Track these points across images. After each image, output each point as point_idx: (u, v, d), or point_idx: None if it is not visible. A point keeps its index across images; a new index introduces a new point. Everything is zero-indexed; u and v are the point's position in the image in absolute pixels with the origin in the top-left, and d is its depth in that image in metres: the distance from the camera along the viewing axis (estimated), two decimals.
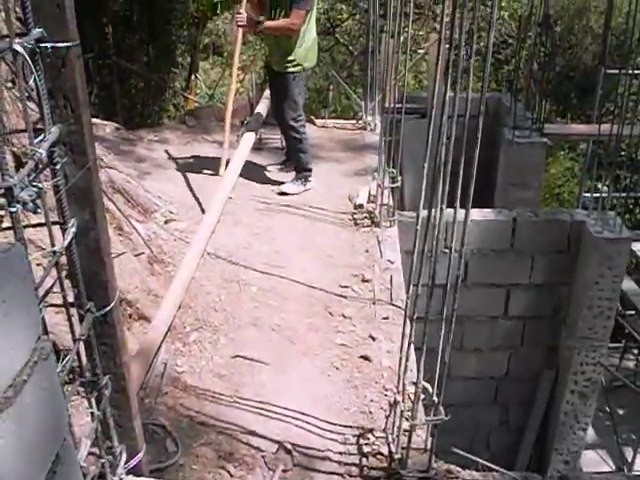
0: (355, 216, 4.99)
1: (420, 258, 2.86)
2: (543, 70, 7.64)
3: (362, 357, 3.67)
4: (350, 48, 11.58)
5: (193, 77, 9.98)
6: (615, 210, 5.99)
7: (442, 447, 3.28)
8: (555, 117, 16.37)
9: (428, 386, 3.19)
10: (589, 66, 17.05)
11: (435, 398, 3.15)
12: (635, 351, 9.25)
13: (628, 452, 7.70)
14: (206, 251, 4.35)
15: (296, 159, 5.45)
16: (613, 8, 15.96)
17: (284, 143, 5.81)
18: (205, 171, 5.58)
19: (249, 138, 5.32)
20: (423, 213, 2.89)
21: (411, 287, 3.00)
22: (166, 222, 4.65)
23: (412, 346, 3.25)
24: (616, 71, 6.77)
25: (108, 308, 2.08)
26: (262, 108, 5.86)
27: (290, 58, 5.17)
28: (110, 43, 8.41)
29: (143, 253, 4.13)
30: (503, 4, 16.32)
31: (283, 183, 5.45)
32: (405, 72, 4.50)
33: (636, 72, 6.11)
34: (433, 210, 2.82)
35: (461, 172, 2.66)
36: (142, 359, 3.21)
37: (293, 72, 5.21)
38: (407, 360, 3.11)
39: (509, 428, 6.85)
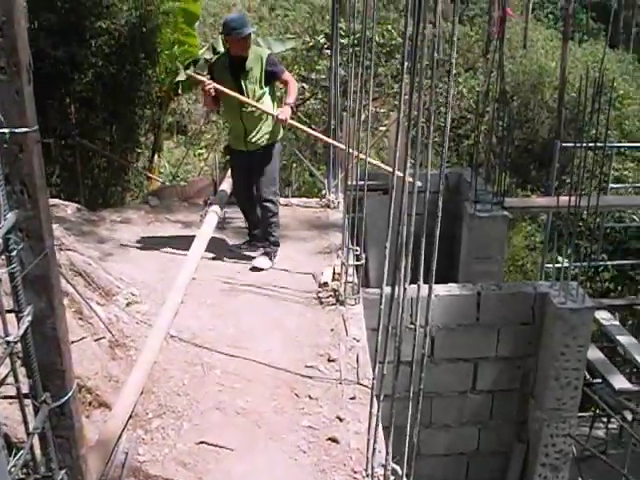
0: (320, 295, 4.97)
1: (385, 336, 2.84)
2: (502, 144, 7.87)
3: (330, 439, 3.59)
4: (312, 126, 11.82)
5: (156, 156, 10.05)
6: (577, 280, 6.08)
7: None
8: (515, 189, 16.84)
9: (397, 468, 3.13)
10: (546, 139, 17.71)
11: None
12: (604, 419, 9.24)
13: None
14: (169, 334, 4.27)
15: (270, 233, 5.45)
16: (566, 83, 16.76)
17: (247, 224, 5.85)
18: (168, 252, 5.55)
19: (212, 218, 5.32)
20: (386, 290, 2.90)
21: (377, 365, 2.97)
22: (128, 305, 4.57)
23: (380, 426, 3.20)
24: (571, 144, 7.03)
25: (65, 399, 2.02)
26: (226, 187, 5.90)
27: (275, 128, 5.30)
28: (73, 123, 8.45)
29: (104, 337, 4.04)
30: (460, 80, 16.98)
31: (251, 259, 5.44)
32: (367, 150, 4.58)
33: (590, 145, 6.33)
34: (396, 287, 2.83)
35: (423, 248, 2.70)
36: (101, 449, 3.08)
37: (278, 141, 5.40)
38: (375, 442, 3.05)
39: None
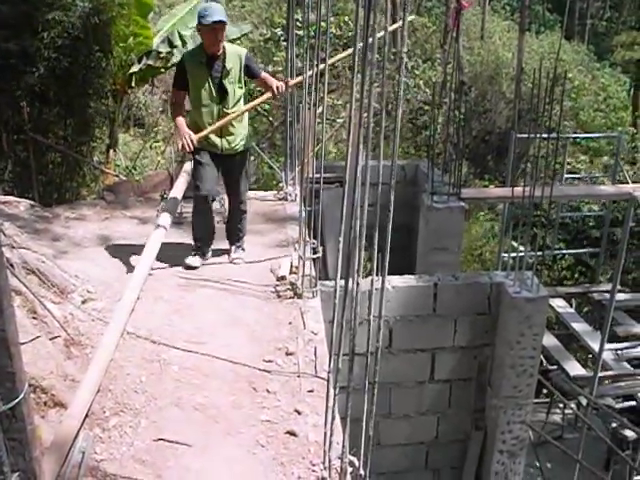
0: (278, 288, 4.97)
1: (339, 328, 2.86)
2: (459, 135, 7.95)
3: (288, 433, 3.60)
4: (270, 119, 11.81)
5: (112, 150, 9.91)
6: (532, 269, 6.20)
7: None
8: (473, 180, 17.05)
9: (354, 459, 3.16)
10: (503, 130, 17.95)
11: (362, 472, 3.11)
12: (561, 405, 9.46)
13: None
14: (125, 330, 4.24)
15: (241, 229, 5.47)
16: (522, 74, 16.99)
17: (197, 234, 5.55)
18: (124, 248, 5.49)
19: (166, 217, 5.22)
20: (341, 283, 2.92)
21: (332, 358, 2.99)
22: (83, 302, 4.51)
23: (338, 418, 3.23)
24: (525, 135, 7.15)
25: (16, 401, 1.99)
26: (182, 182, 5.84)
27: (249, 131, 5.32)
28: (26, 117, 8.29)
29: (59, 336, 3.99)
30: (418, 72, 17.09)
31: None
32: (322, 142, 4.58)
33: (545, 136, 6.44)
34: (350, 279, 2.85)
35: (376, 240, 2.72)
36: (57, 450, 3.05)
37: (251, 145, 5.53)
38: (332, 434, 3.08)
39: None
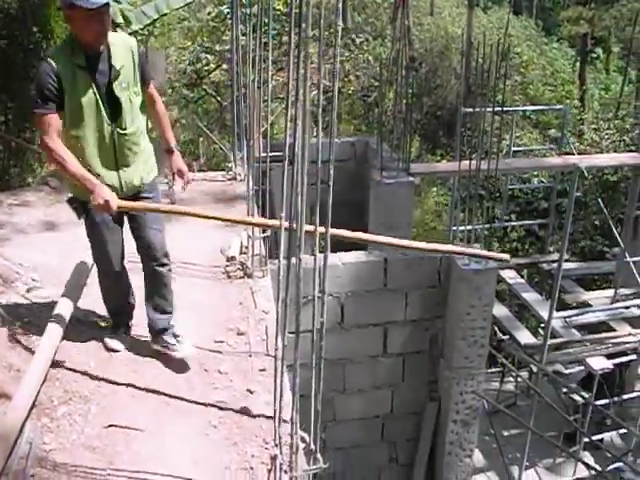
0: (228, 269, 4.95)
1: (285, 306, 2.87)
2: (410, 111, 7.98)
3: (241, 412, 3.62)
4: (219, 99, 11.67)
5: None
6: (480, 242, 6.29)
7: None
8: (426, 155, 17.19)
9: (305, 435, 3.19)
10: (454, 105, 18.11)
11: (312, 446, 3.14)
12: (514, 374, 9.68)
13: (515, 471, 8.00)
14: (73, 318, 4.17)
15: (170, 303, 4.05)
16: (472, 49, 17.13)
17: (117, 312, 4.16)
18: (70, 234, 5.38)
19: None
20: (286, 261, 2.91)
21: (278, 336, 3.00)
22: (28, 290, 4.43)
23: (289, 395, 3.24)
24: (471, 110, 7.21)
25: None
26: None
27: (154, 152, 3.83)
28: None
29: (3, 326, 3.91)
30: (366, 47, 17.08)
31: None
32: (268, 122, 4.56)
33: (492, 109, 6.51)
34: (296, 258, 2.85)
35: (317, 217, 2.72)
36: (2, 442, 3.00)
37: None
38: (281, 412, 3.09)
39: (399, 464, 6.95)
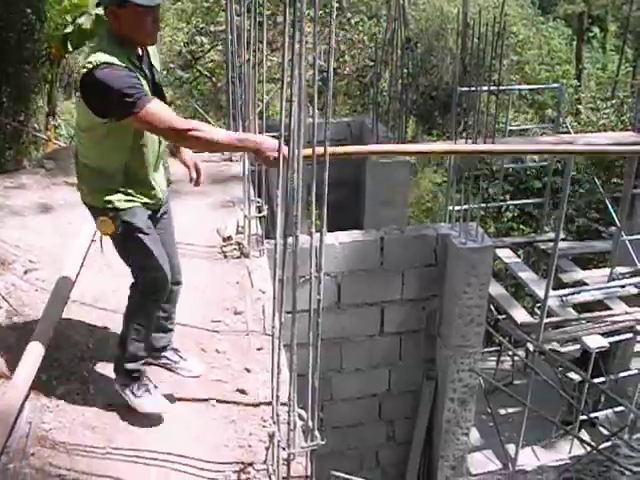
0: (224, 249, 4.96)
1: (281, 285, 2.87)
2: (406, 91, 7.96)
3: (239, 391, 3.64)
4: (214, 80, 11.61)
5: (52, 117, 9.63)
6: (477, 220, 6.30)
7: (333, 470, 3.31)
8: (422, 135, 17.16)
9: (303, 412, 3.21)
10: (450, 85, 18.05)
11: (310, 424, 3.16)
12: (510, 352, 9.74)
13: (512, 449, 8.07)
14: (70, 298, 4.18)
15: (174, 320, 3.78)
16: (468, 29, 17.02)
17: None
18: (66, 216, 5.38)
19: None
20: (282, 240, 2.91)
21: (275, 315, 3.01)
22: (26, 272, 4.43)
23: (286, 373, 3.26)
24: (467, 89, 7.20)
25: None
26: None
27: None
28: None
29: (1, 307, 3.93)
30: (361, 28, 16.95)
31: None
32: (262, 101, 4.54)
33: (485, 89, 6.49)
34: (293, 236, 2.85)
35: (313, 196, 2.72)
36: (1, 422, 3.03)
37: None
38: (278, 390, 3.11)
39: (396, 442, 7.01)
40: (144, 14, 2.92)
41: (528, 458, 8.34)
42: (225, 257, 4.88)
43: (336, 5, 13.65)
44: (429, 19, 20.50)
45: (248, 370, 3.79)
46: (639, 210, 8.90)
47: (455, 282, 5.96)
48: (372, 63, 15.25)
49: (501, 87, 8.81)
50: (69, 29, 8.92)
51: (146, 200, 3.24)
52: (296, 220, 2.75)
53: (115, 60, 2.86)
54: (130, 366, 3.37)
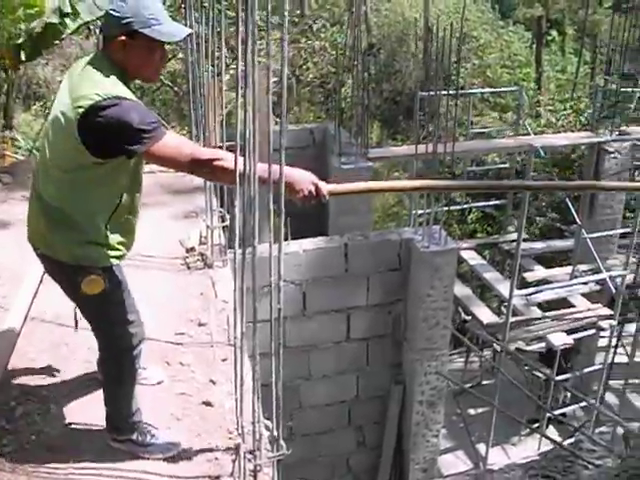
0: (187, 260, 4.92)
1: (241, 295, 2.86)
2: (368, 96, 7.99)
3: (204, 403, 3.61)
4: (176, 88, 11.53)
5: (8, 130, 9.45)
6: (440, 223, 6.35)
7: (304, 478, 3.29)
8: (386, 140, 17.25)
9: (268, 423, 3.19)
10: (413, 90, 18.19)
11: (275, 433, 3.15)
12: (479, 353, 9.84)
13: (482, 449, 8.14)
14: (29, 316, 4.11)
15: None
16: (430, 34, 17.24)
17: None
18: (26, 231, 5.27)
19: None
20: (243, 249, 2.89)
21: (237, 325, 2.99)
22: None
23: (251, 383, 3.24)
24: (428, 94, 7.25)
25: None
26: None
27: None
28: None
29: None
30: (323, 35, 17.02)
31: None
32: (222, 112, 4.52)
33: (444, 93, 6.54)
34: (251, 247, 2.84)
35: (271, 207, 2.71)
36: None
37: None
38: (242, 401, 3.09)
39: (367, 448, 7.02)
40: (156, 49, 2.67)
41: (499, 457, 8.42)
42: (188, 268, 4.84)
43: (297, 12, 13.70)
44: (391, 25, 20.65)
45: (213, 382, 3.76)
46: (598, 209, 9.06)
47: (419, 285, 6.00)
48: (335, 70, 15.34)
49: (462, 91, 8.93)
50: (21, 39, 8.76)
51: (124, 251, 2.94)
52: (253, 230, 2.74)
53: (128, 93, 2.59)
54: (130, 420, 3.21)
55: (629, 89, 9.38)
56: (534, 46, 22.81)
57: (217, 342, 4.05)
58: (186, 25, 6.08)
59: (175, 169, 2.79)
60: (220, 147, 4.60)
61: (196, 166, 2.66)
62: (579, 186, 6.31)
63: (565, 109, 14.55)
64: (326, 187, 2.75)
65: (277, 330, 2.98)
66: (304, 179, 2.71)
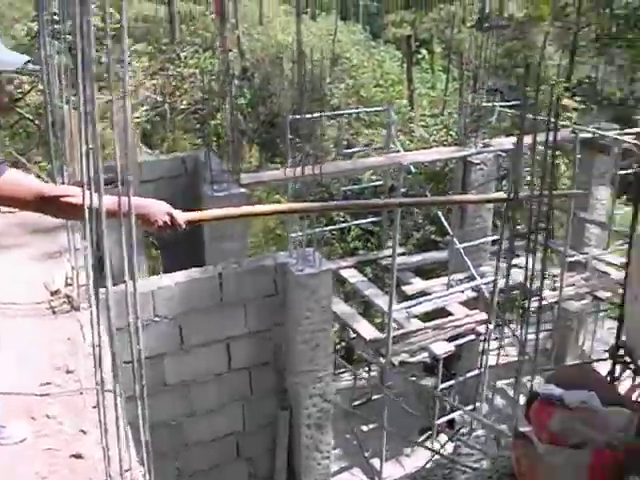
0: (52, 303, 4.69)
1: (99, 338, 2.74)
2: (245, 120, 7.98)
3: (73, 456, 3.42)
4: (37, 122, 11.06)
5: None
6: (313, 245, 6.40)
7: None
8: (266, 164, 17.26)
9: (141, 468, 3.08)
10: (289, 112, 18.30)
11: (148, 478, 3.04)
12: (367, 369, 9.98)
13: (377, 463, 8.23)
14: None
15: None
16: (303, 56, 17.43)
17: None
18: None
19: None
20: (118, 287, 2.79)
21: (97, 369, 2.87)
22: None
23: (117, 430, 3.12)
24: (300, 116, 7.34)
25: None
26: None
27: None
28: None
29: None
30: (191, 61, 16.88)
31: None
32: (86, 145, 4.35)
33: (309, 116, 6.63)
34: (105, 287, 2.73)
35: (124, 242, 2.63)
36: None
37: None
38: (108, 450, 2.97)
39: (259, 479, 6.93)
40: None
41: (394, 469, 8.54)
42: (54, 312, 4.62)
43: (165, 40, 13.54)
44: (264, 49, 20.79)
45: (84, 432, 3.58)
46: (469, 219, 9.43)
47: (296, 309, 6.02)
48: (207, 96, 15.26)
49: (334, 112, 9.10)
50: None
51: None
52: (104, 271, 2.64)
53: None
54: None
55: (490, 104, 9.84)
56: (405, 65, 23.59)
57: (86, 389, 3.87)
58: (43, 56, 5.89)
59: (20, 208, 2.71)
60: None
61: (42, 204, 2.55)
62: (446, 201, 6.54)
63: (436, 124, 15.10)
64: (182, 216, 2.74)
65: (139, 372, 2.88)
66: (158, 210, 2.68)
